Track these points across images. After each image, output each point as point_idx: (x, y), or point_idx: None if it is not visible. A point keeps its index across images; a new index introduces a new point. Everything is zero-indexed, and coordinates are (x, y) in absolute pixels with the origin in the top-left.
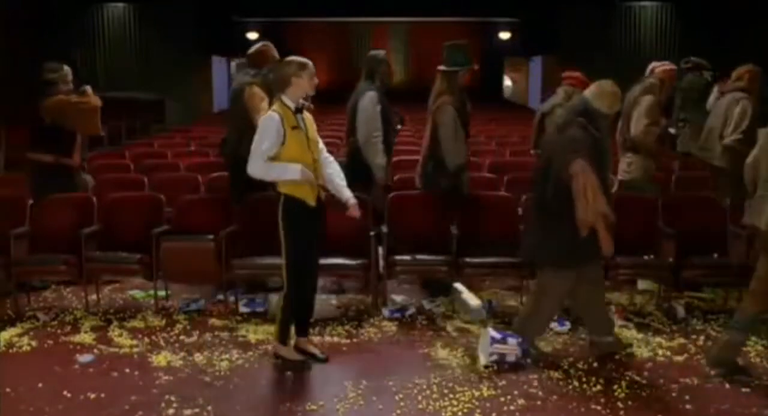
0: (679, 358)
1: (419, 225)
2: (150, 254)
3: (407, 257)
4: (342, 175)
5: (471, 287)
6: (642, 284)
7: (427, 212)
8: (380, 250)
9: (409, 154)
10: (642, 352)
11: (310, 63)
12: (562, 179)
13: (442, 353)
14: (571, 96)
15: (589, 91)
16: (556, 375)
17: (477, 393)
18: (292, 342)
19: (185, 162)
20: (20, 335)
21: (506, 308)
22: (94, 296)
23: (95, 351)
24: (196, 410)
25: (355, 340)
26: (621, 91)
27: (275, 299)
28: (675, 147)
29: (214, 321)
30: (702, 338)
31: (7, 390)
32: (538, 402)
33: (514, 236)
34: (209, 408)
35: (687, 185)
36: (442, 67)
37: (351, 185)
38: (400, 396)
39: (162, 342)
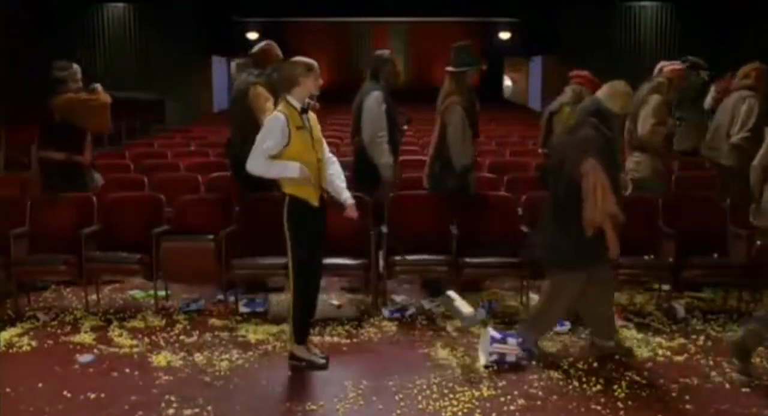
0: (679, 358)
1: (419, 225)
2: (150, 254)
3: (407, 257)
4: (342, 176)
5: (471, 288)
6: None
7: (427, 212)
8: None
9: (410, 154)
10: (642, 352)
11: (316, 64)
12: (574, 179)
13: (442, 353)
14: (579, 95)
15: (602, 92)
16: (556, 375)
17: (477, 393)
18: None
19: (185, 162)
20: (20, 335)
21: (506, 308)
22: (94, 296)
23: (95, 351)
24: (196, 410)
25: (355, 340)
26: None
27: (275, 299)
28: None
29: (214, 321)
30: (702, 338)
31: (7, 390)
32: (538, 402)
33: (514, 236)
34: (209, 408)
35: (687, 185)
36: (450, 69)
37: (358, 184)
38: (400, 396)
39: (162, 342)
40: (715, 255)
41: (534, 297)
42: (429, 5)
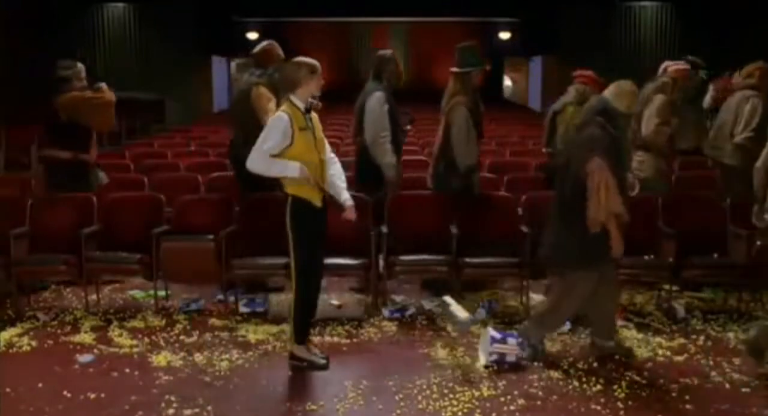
0: (679, 358)
1: (419, 225)
2: (150, 254)
3: (407, 258)
4: (343, 177)
5: (471, 288)
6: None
7: (427, 212)
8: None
9: (411, 153)
10: (642, 352)
11: (318, 64)
12: (580, 178)
13: (442, 353)
14: (583, 94)
15: (609, 92)
16: (556, 375)
17: (477, 393)
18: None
19: (185, 162)
20: (20, 335)
21: (506, 309)
22: (94, 296)
23: (95, 351)
24: (196, 410)
25: (355, 340)
26: None
27: (275, 299)
28: None
29: (214, 321)
30: (702, 338)
31: (7, 390)
32: (538, 402)
33: (514, 236)
34: (209, 408)
35: (687, 185)
36: (455, 69)
37: (361, 184)
38: (400, 396)
39: (162, 342)
40: (715, 255)
41: (534, 297)
42: (429, 5)
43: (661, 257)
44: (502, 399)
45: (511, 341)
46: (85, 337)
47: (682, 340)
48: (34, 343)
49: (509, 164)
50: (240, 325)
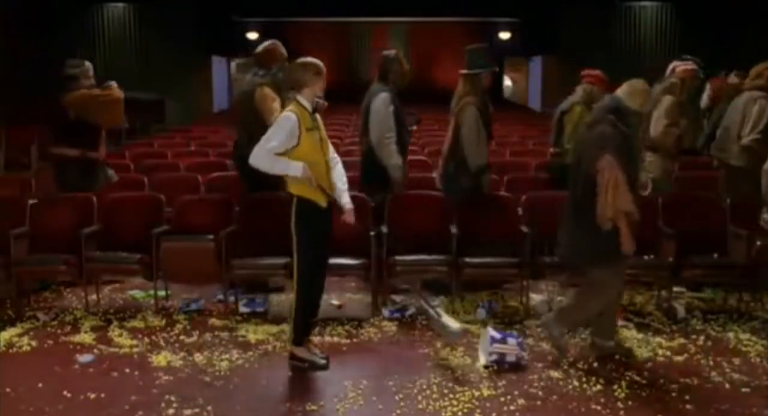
0: (679, 358)
1: (419, 225)
2: (150, 254)
3: (407, 258)
4: (344, 178)
5: (471, 288)
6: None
7: (427, 212)
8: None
9: (411, 153)
10: (642, 352)
11: (323, 65)
12: (591, 176)
13: (442, 353)
14: (590, 94)
15: (621, 90)
16: (556, 375)
17: (477, 393)
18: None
19: (185, 162)
20: (20, 335)
21: (506, 308)
22: (94, 296)
23: (95, 351)
24: (196, 410)
25: (355, 340)
26: None
27: (275, 299)
28: None
29: (214, 321)
30: (702, 338)
31: (7, 390)
32: (538, 402)
33: (514, 236)
34: (209, 408)
35: (687, 185)
36: (464, 71)
37: (366, 185)
38: (400, 396)
39: (162, 342)
40: (715, 255)
41: (534, 297)
42: (429, 5)
43: (661, 257)
44: (502, 399)
45: (511, 341)
46: (85, 337)
47: (682, 340)
48: (34, 343)
49: (509, 164)
50: (240, 325)
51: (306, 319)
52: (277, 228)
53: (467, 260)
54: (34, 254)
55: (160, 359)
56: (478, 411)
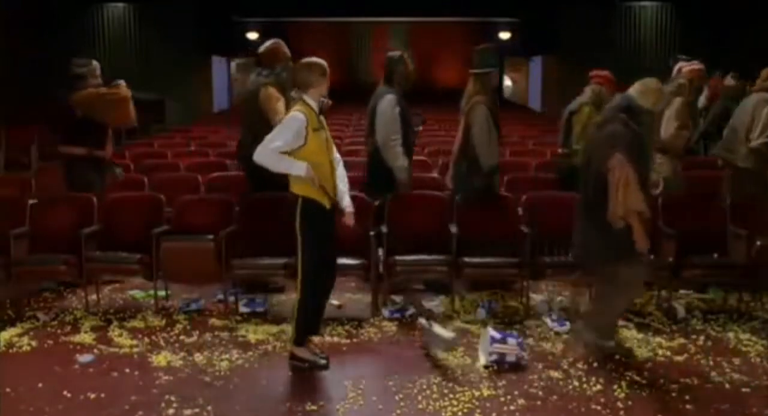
0: (679, 358)
1: (419, 225)
2: (150, 254)
3: (407, 258)
4: (346, 179)
5: (471, 288)
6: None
7: (427, 212)
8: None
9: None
10: (642, 352)
11: (327, 65)
12: (602, 175)
13: (442, 353)
14: (599, 95)
15: (634, 89)
16: (556, 375)
17: (477, 393)
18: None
19: (185, 162)
20: (20, 335)
21: (506, 309)
22: (94, 296)
23: (95, 351)
24: (196, 410)
25: (355, 340)
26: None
27: (275, 299)
28: None
29: (214, 321)
30: (702, 338)
31: (7, 390)
32: (538, 402)
33: (514, 236)
34: (209, 408)
35: (691, 185)
36: (474, 70)
37: (372, 186)
38: (400, 396)
39: (162, 342)
40: (715, 255)
41: (534, 297)
42: (429, 5)
43: (661, 257)
44: (502, 399)
45: (511, 341)
46: (85, 337)
47: (682, 340)
48: (34, 343)
49: (509, 164)
50: (240, 325)
51: (308, 320)
52: (277, 228)
53: (467, 260)
54: (34, 254)
55: (160, 359)
56: (478, 411)
